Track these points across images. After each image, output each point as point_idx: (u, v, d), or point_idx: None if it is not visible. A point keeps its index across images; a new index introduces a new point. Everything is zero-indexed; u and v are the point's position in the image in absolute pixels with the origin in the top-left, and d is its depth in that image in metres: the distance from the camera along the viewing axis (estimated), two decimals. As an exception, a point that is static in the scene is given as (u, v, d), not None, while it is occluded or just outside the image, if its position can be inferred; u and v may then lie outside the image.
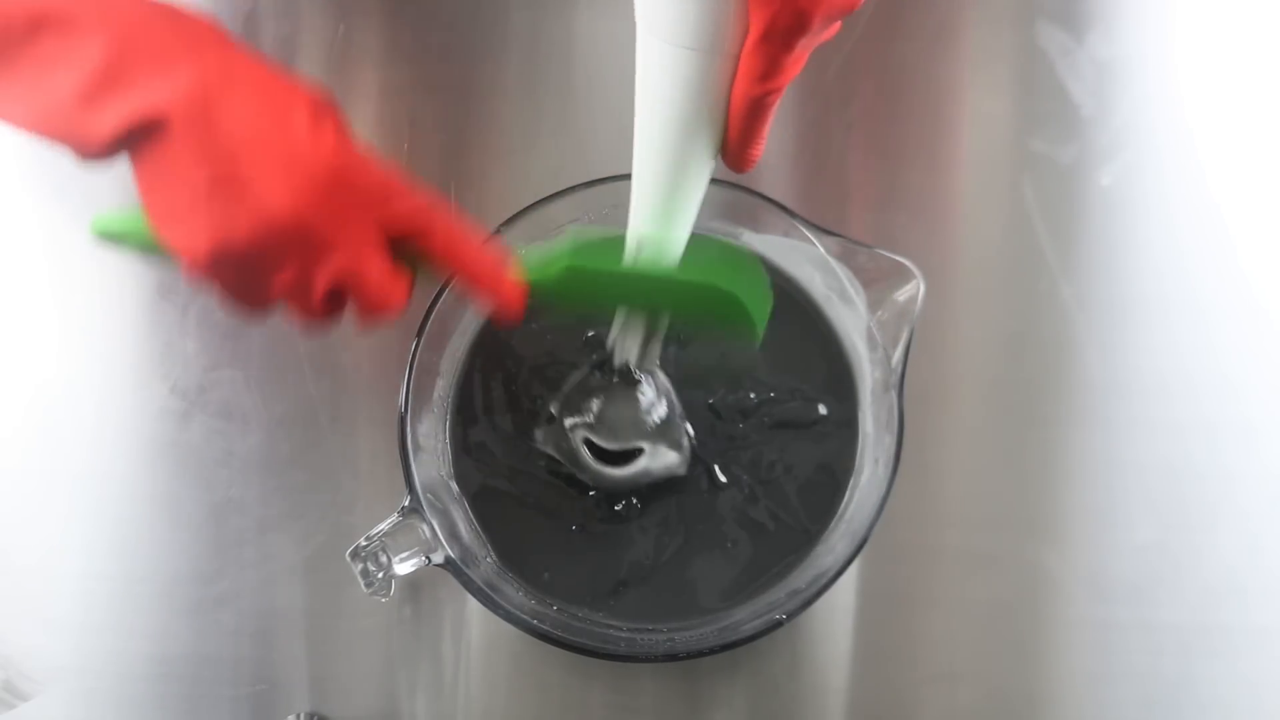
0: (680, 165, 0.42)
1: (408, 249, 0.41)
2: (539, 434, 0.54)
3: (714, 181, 0.51)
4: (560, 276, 0.44)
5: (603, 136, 0.60)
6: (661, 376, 0.53)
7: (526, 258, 0.45)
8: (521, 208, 0.52)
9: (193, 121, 0.36)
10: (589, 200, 0.53)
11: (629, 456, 0.52)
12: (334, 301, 0.41)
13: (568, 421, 0.52)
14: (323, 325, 0.42)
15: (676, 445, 0.53)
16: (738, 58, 0.39)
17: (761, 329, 0.46)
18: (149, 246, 0.41)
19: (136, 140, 0.36)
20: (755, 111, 0.40)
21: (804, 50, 0.38)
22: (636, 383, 0.52)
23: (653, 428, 0.52)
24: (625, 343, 0.50)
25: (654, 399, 0.52)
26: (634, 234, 0.45)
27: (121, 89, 0.36)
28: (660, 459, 0.52)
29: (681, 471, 0.53)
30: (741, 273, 0.46)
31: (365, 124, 0.60)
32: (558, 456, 0.53)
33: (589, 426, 0.52)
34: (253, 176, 0.37)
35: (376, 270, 0.40)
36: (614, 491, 0.53)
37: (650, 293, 0.46)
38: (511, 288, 0.43)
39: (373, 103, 0.61)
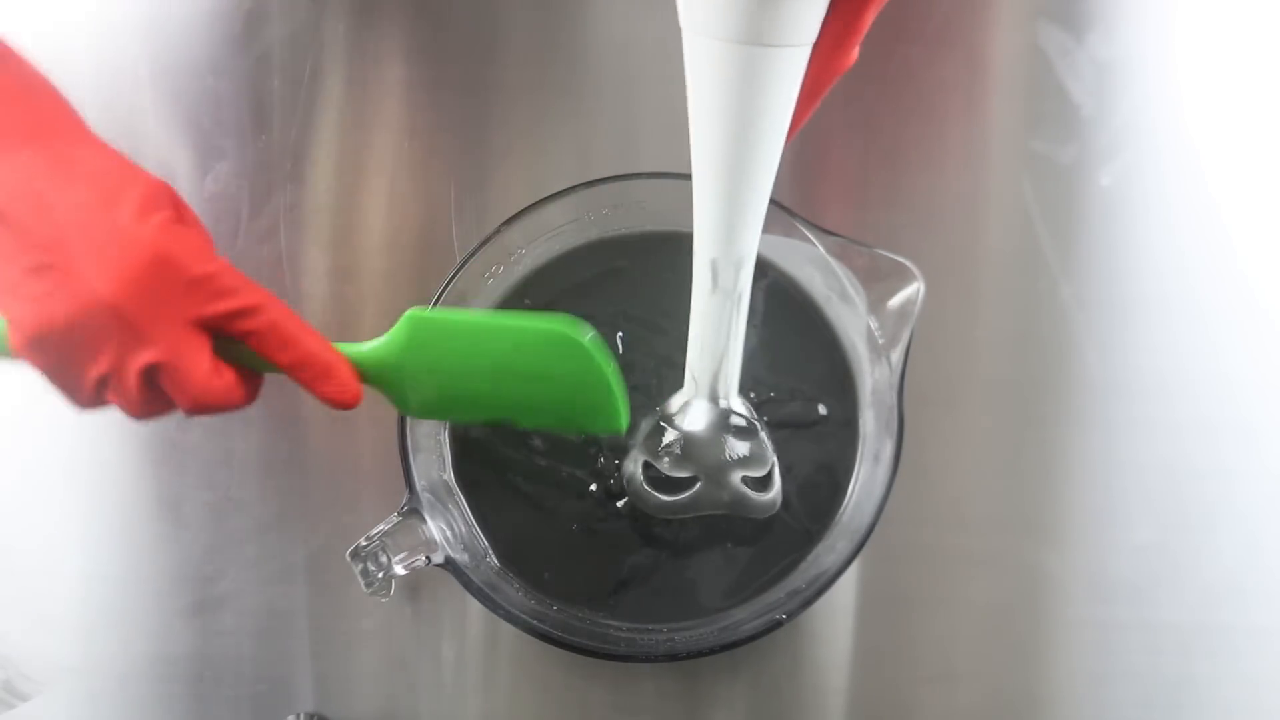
0: (762, 177, 0.40)
1: (236, 338, 0.40)
2: (661, 504, 0.51)
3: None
4: (405, 330, 0.43)
5: (603, 136, 0.60)
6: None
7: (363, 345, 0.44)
8: (521, 208, 0.52)
9: (18, 205, 0.37)
10: (589, 200, 0.53)
11: (686, 483, 0.51)
12: (154, 392, 0.40)
13: (709, 473, 0.50)
14: (145, 415, 0.41)
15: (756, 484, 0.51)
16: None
17: (623, 409, 0.44)
18: None
19: None
20: (810, 98, 0.39)
21: (869, 21, 0.37)
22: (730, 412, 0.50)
23: (764, 442, 0.51)
24: (731, 366, 0.48)
25: (752, 414, 0.51)
26: (725, 260, 0.43)
27: None
28: (777, 470, 0.51)
29: (772, 511, 0.51)
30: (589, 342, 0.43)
31: (365, 124, 0.60)
32: (718, 511, 0.51)
33: (743, 464, 0.50)
34: (73, 261, 0.37)
35: (196, 363, 0.39)
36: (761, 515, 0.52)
37: (495, 340, 0.43)
38: (345, 375, 0.42)
39: (372, 103, 0.61)
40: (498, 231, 0.52)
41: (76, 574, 0.57)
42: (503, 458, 0.54)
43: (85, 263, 0.37)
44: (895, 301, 0.49)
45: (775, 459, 0.51)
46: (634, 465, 0.51)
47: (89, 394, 0.40)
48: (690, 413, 0.50)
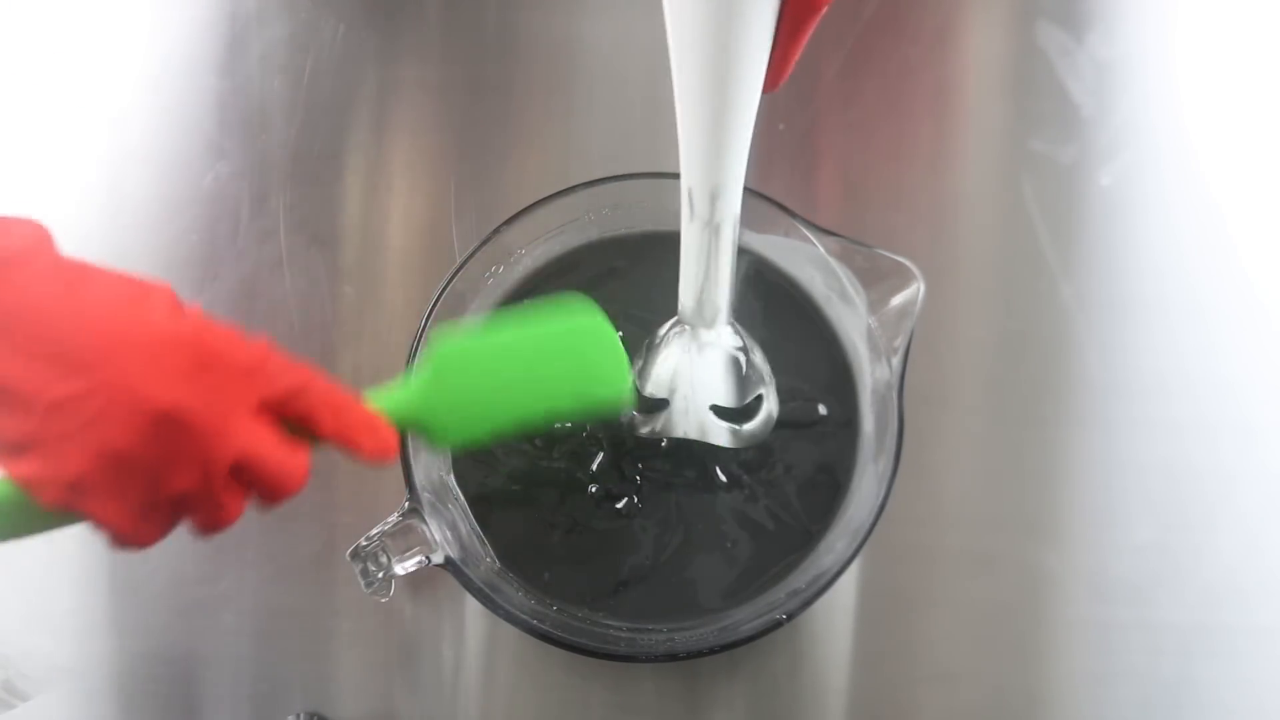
0: (740, 107, 0.40)
1: (288, 417, 0.38)
2: (642, 422, 0.52)
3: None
4: (432, 370, 0.43)
5: (603, 136, 0.60)
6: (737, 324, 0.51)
7: (390, 390, 0.43)
8: (521, 208, 0.52)
9: (27, 328, 0.33)
10: (589, 200, 0.53)
11: (750, 410, 0.51)
12: (239, 489, 0.37)
13: (678, 398, 0.51)
14: (227, 523, 0.38)
15: (772, 386, 0.52)
16: None
17: (627, 377, 0.46)
18: (9, 519, 0.35)
19: None
20: (797, 29, 0.38)
21: None
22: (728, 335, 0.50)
23: (760, 373, 0.51)
24: (715, 295, 0.48)
25: (746, 341, 0.51)
26: (700, 189, 0.43)
27: None
28: (772, 401, 0.51)
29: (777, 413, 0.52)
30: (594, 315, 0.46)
31: (365, 124, 0.60)
32: (684, 435, 0.51)
33: (711, 393, 0.51)
34: (116, 374, 0.33)
35: (273, 446, 0.37)
36: (770, 461, 0.52)
37: (523, 348, 0.44)
38: (386, 433, 0.41)
39: (372, 103, 0.61)
40: (498, 231, 0.51)
41: (76, 574, 0.57)
42: (503, 458, 0.54)
43: (132, 374, 0.33)
44: (895, 301, 0.49)
45: (764, 393, 0.51)
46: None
47: (160, 524, 0.36)
48: (672, 337, 0.50)
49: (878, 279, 0.50)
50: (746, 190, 0.51)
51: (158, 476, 0.35)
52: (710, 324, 0.49)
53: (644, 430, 0.52)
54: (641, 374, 0.51)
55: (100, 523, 0.35)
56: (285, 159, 0.60)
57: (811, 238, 0.51)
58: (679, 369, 0.51)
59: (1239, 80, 0.60)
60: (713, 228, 0.45)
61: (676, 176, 0.51)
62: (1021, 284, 0.58)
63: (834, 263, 0.51)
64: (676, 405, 0.51)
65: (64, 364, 0.33)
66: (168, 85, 0.61)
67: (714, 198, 0.44)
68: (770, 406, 0.52)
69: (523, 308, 0.45)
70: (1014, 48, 0.60)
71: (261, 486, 0.37)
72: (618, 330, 0.54)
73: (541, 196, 0.52)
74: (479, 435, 0.45)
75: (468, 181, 0.60)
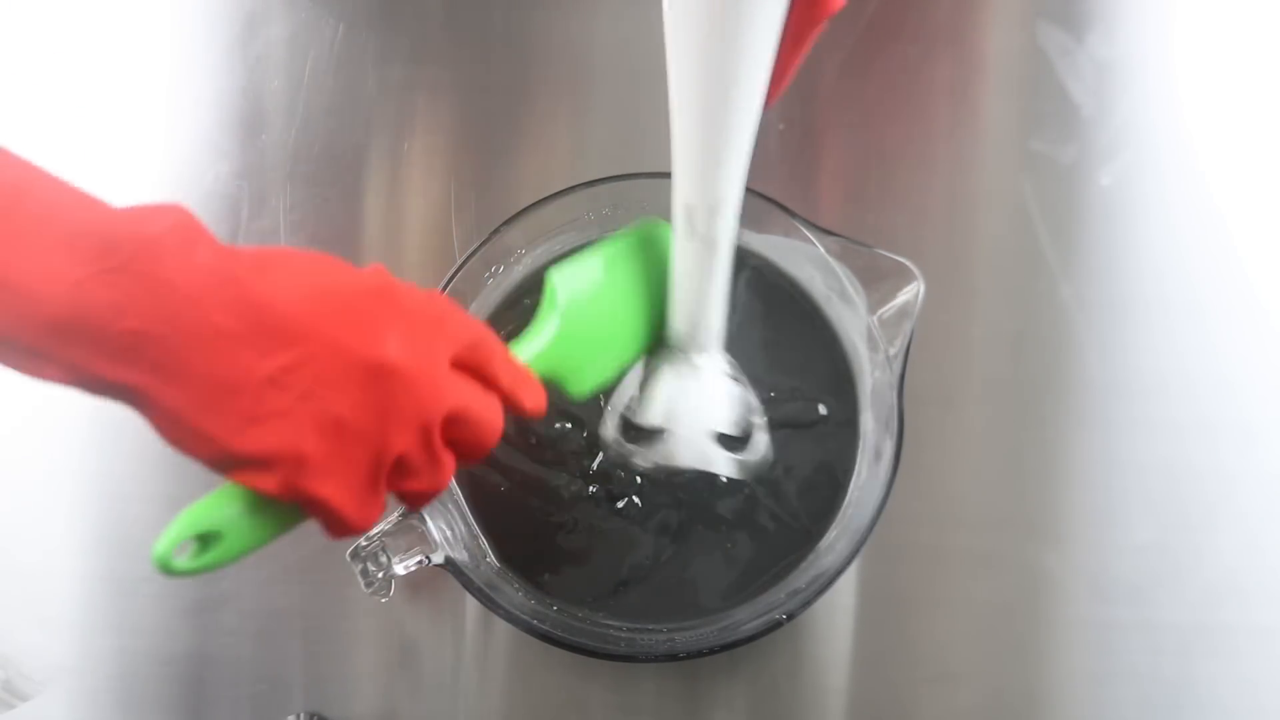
0: (739, 123, 0.39)
1: (470, 370, 0.38)
2: (641, 456, 0.51)
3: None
4: (563, 319, 0.43)
5: (603, 136, 0.60)
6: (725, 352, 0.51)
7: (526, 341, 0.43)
8: (522, 208, 0.52)
9: (219, 307, 0.31)
10: (589, 200, 0.53)
11: (746, 438, 0.51)
12: (449, 452, 0.37)
13: (679, 427, 0.49)
14: (441, 486, 0.37)
15: (761, 411, 0.51)
16: None
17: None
18: (231, 526, 0.35)
19: (134, 367, 0.32)
20: (797, 42, 0.38)
21: None
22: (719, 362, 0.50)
23: (753, 401, 0.51)
24: (711, 317, 0.47)
25: (736, 370, 0.50)
26: (699, 205, 0.42)
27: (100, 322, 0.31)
28: (764, 432, 0.51)
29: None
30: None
31: (365, 124, 0.60)
32: (687, 466, 0.50)
33: (711, 420, 0.50)
34: (322, 337, 0.32)
35: (479, 397, 0.37)
36: (757, 477, 0.52)
37: (620, 258, 0.46)
38: (540, 390, 0.42)
39: (372, 103, 0.61)
40: (498, 231, 0.51)
41: (76, 574, 0.57)
42: (502, 458, 0.54)
43: (337, 334, 0.32)
44: (895, 301, 0.49)
45: (760, 421, 0.50)
46: (612, 416, 0.51)
47: (382, 495, 0.35)
48: (663, 363, 0.49)
49: (878, 279, 0.50)
50: (747, 190, 0.51)
51: (381, 439, 0.33)
52: (704, 348, 0.48)
53: (643, 464, 0.51)
54: (632, 402, 0.50)
55: (327, 504, 0.34)
56: (285, 159, 0.60)
57: (811, 238, 0.51)
58: (675, 396, 0.49)
59: (1239, 80, 0.60)
60: (710, 245, 0.44)
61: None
62: (1021, 284, 0.58)
63: (834, 263, 0.51)
64: (678, 434, 0.49)
65: (267, 339, 0.32)
66: (168, 85, 0.61)
67: (713, 213, 0.43)
68: (764, 439, 0.51)
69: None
70: (1014, 48, 0.60)
71: (470, 439, 0.36)
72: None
73: (541, 196, 0.52)
74: (608, 376, 0.45)
75: (468, 181, 0.60)
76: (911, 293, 0.49)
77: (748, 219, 0.53)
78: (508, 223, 0.52)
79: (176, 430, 0.33)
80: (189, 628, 0.57)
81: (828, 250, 0.51)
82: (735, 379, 0.50)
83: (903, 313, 0.49)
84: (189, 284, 0.31)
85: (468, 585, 0.48)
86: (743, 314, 0.55)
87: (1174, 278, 0.58)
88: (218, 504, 0.35)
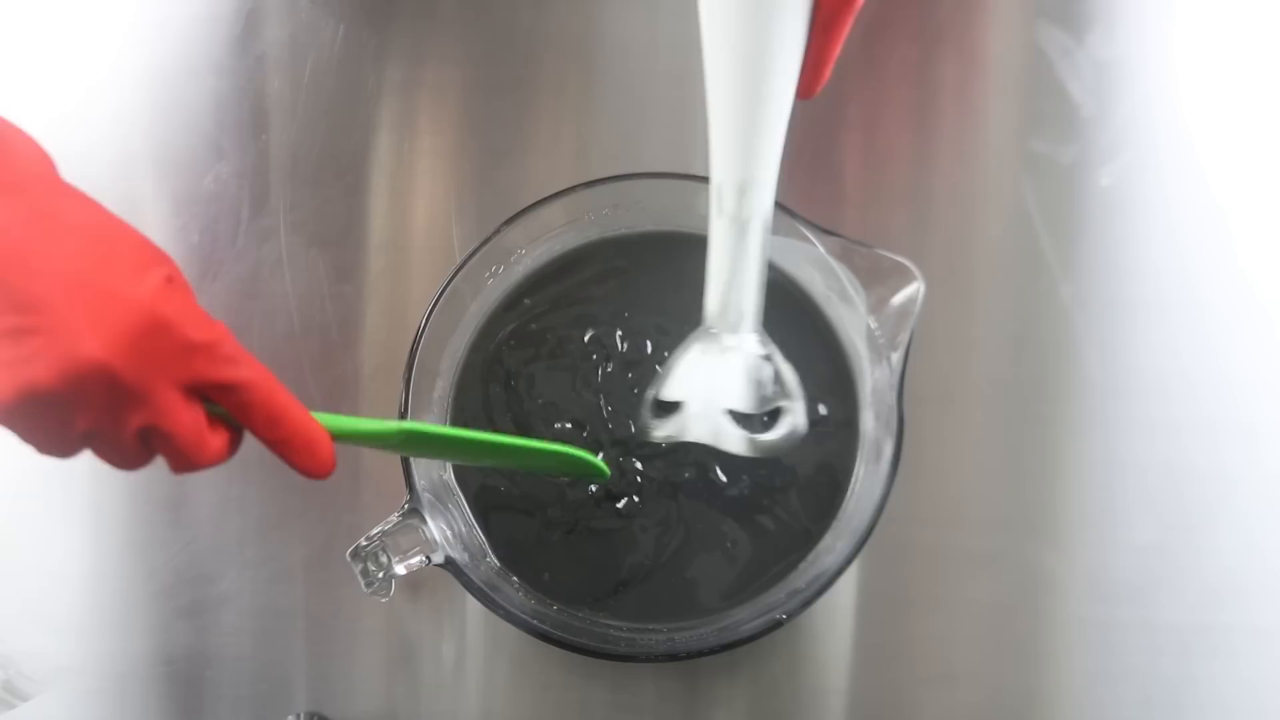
0: (772, 101, 0.40)
1: (222, 406, 0.40)
2: (656, 427, 0.51)
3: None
4: (399, 435, 0.44)
5: (603, 136, 0.60)
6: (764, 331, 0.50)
7: (352, 422, 0.44)
8: (522, 208, 0.52)
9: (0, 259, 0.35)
10: (589, 200, 0.53)
11: (770, 420, 0.50)
12: (144, 449, 0.39)
13: (694, 403, 0.49)
14: (131, 469, 0.40)
15: (803, 399, 0.50)
16: None
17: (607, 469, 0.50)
18: None
19: None
20: (833, 26, 0.38)
21: None
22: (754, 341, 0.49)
23: (786, 383, 0.50)
24: (740, 297, 0.47)
25: (773, 352, 0.50)
26: (727, 183, 0.43)
27: None
28: (799, 415, 0.50)
29: (806, 429, 0.50)
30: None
31: (365, 124, 0.60)
32: (697, 440, 0.50)
33: (727, 397, 0.49)
34: (61, 321, 0.35)
35: (186, 424, 0.38)
36: (770, 461, 0.52)
37: (498, 451, 0.47)
38: (324, 452, 0.42)
39: (372, 103, 0.61)
40: (498, 231, 0.52)
41: (76, 574, 0.57)
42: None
43: (76, 323, 0.35)
44: (895, 301, 0.49)
45: (789, 407, 0.50)
46: (645, 399, 0.51)
47: (69, 450, 0.39)
48: (693, 340, 0.49)
49: (878, 279, 0.50)
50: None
51: (69, 418, 0.37)
52: (735, 328, 0.48)
53: (658, 435, 0.50)
54: (660, 375, 0.50)
55: (21, 438, 0.38)
56: (285, 159, 0.60)
57: (811, 238, 0.51)
58: (695, 372, 0.49)
59: (1239, 80, 0.60)
60: (739, 224, 0.44)
61: (677, 177, 0.52)
62: (1021, 284, 0.58)
63: (834, 263, 0.51)
64: (692, 408, 0.49)
65: (19, 301, 0.35)
66: (168, 85, 0.61)
67: (741, 192, 0.43)
68: (796, 421, 0.50)
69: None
70: (1014, 48, 0.60)
71: (166, 454, 0.39)
72: (618, 330, 0.55)
73: (541, 196, 0.52)
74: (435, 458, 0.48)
75: (468, 181, 0.60)
76: (911, 293, 0.49)
77: (748, 219, 0.53)
78: (508, 223, 0.52)
79: None
80: (189, 628, 0.57)
81: (828, 250, 0.51)
82: (767, 359, 0.49)
83: (903, 313, 0.49)
84: None
85: (468, 585, 0.48)
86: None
87: (1174, 278, 0.58)
88: None
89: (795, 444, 0.50)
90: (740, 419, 0.50)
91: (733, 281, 0.47)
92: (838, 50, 0.40)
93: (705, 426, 0.50)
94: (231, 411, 0.40)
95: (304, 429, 0.41)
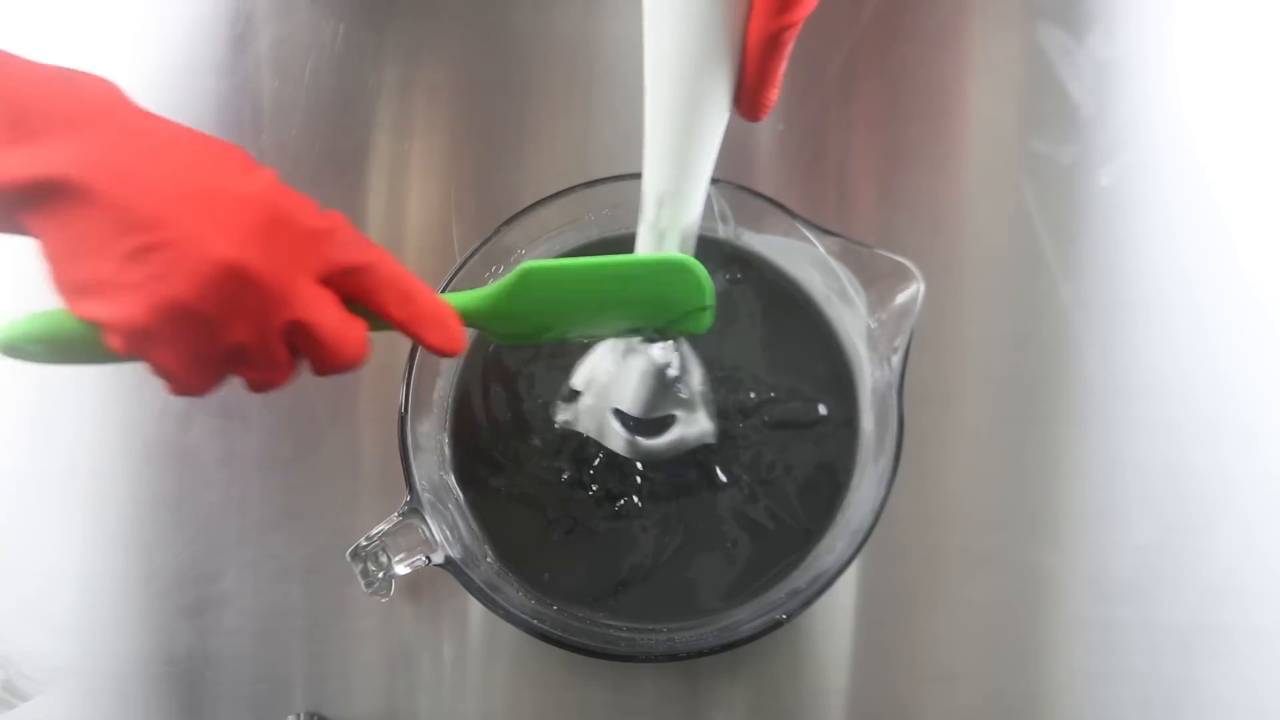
0: (695, 111, 0.41)
1: (351, 293, 0.39)
2: (559, 410, 0.53)
3: (716, 180, 0.51)
4: (516, 280, 0.42)
5: (603, 136, 0.60)
6: (685, 344, 0.52)
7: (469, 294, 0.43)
8: (522, 208, 0.52)
9: (107, 180, 0.34)
10: (589, 200, 0.53)
11: (662, 426, 0.52)
12: (290, 352, 0.38)
13: (589, 395, 0.51)
14: (279, 382, 0.39)
15: (707, 412, 0.52)
16: None
17: (711, 312, 0.45)
18: (69, 348, 0.38)
19: (38, 206, 0.34)
20: (771, 49, 0.38)
21: None
22: (661, 347, 0.50)
23: (684, 394, 0.51)
24: None
25: (680, 363, 0.51)
26: (649, 192, 0.43)
27: (15, 149, 0.34)
28: (694, 426, 0.52)
29: (713, 440, 0.52)
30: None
31: (365, 124, 0.60)
32: (584, 432, 0.52)
33: (618, 396, 0.51)
34: (186, 230, 0.34)
35: (332, 316, 0.38)
36: (650, 463, 0.53)
37: (608, 279, 0.44)
38: (455, 326, 0.41)
39: (372, 103, 0.61)
40: (497, 231, 0.52)
41: (76, 574, 0.57)
42: (503, 458, 0.54)
43: (201, 229, 0.34)
44: (895, 301, 0.49)
45: (681, 417, 0.51)
46: (601, 411, 0.52)
47: (215, 374, 0.38)
48: (615, 337, 0.51)
49: (878, 279, 0.50)
50: (747, 190, 0.51)
51: (215, 329, 0.36)
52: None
53: (558, 419, 0.53)
54: (624, 398, 0.51)
55: (161, 369, 0.37)
56: (285, 159, 0.60)
57: (811, 238, 0.51)
58: (598, 367, 0.51)
59: (1239, 80, 0.60)
60: (658, 234, 0.45)
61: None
62: (1021, 284, 0.58)
63: (834, 263, 0.51)
64: (586, 400, 0.52)
65: (139, 218, 0.34)
66: (168, 85, 0.61)
67: (660, 203, 0.44)
68: (686, 433, 0.51)
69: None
70: (1014, 48, 0.60)
71: (313, 352, 0.38)
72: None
73: (541, 196, 0.52)
74: (535, 339, 0.45)
75: (468, 181, 0.60)
76: (911, 293, 0.49)
77: (748, 219, 0.54)
78: (508, 222, 0.52)
79: (53, 269, 0.36)
80: (189, 628, 0.57)
81: (828, 250, 0.51)
82: (670, 368, 0.50)
83: (903, 313, 0.49)
84: (88, 156, 0.34)
85: (468, 585, 0.48)
86: (743, 314, 0.55)
87: (1174, 278, 0.58)
88: (58, 322, 0.38)
89: (680, 451, 0.52)
90: (626, 418, 0.51)
91: None
92: (779, 73, 0.40)
93: (593, 420, 0.52)
94: (362, 296, 0.39)
95: (434, 305, 0.41)
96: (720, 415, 0.53)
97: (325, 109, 0.61)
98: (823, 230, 0.50)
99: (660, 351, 0.50)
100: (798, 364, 0.54)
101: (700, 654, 0.48)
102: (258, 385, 0.39)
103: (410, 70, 0.61)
